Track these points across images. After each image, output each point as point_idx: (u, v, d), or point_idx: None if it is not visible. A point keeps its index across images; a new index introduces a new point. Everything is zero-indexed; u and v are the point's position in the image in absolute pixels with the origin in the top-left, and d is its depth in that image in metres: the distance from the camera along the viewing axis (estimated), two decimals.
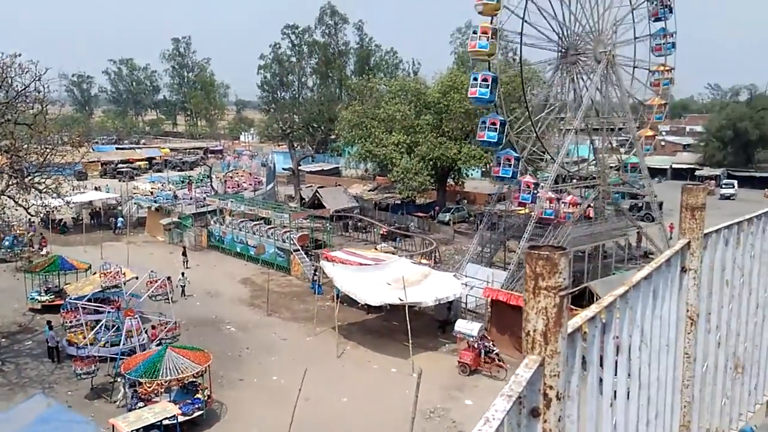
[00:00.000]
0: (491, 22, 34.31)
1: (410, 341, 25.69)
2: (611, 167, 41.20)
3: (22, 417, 17.75)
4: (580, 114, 36.78)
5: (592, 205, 39.92)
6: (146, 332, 24.28)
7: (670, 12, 39.99)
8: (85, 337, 24.39)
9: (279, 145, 78.00)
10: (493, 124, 34.57)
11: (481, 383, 24.39)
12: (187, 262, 39.76)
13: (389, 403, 21.86)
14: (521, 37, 35.45)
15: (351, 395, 22.80)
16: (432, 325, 29.83)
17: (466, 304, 30.64)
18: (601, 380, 2.55)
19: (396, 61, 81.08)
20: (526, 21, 35.29)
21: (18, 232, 40.14)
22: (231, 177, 63.56)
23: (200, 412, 20.03)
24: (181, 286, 33.38)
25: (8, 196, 24.29)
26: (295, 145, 67.71)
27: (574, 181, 40.18)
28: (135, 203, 52.78)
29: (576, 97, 38.77)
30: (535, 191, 34.97)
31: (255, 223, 42.97)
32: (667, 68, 40.89)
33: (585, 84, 38.43)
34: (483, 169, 62.90)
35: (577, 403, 2.22)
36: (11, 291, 32.62)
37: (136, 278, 29.21)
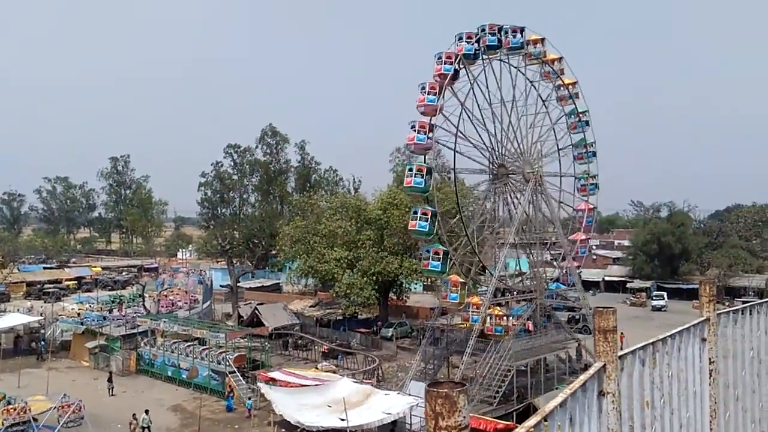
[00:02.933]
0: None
1: None
2: (548, 280, 42.35)
3: None
4: (513, 229, 38.23)
5: (531, 318, 40.44)
6: None
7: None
8: None
9: (217, 262, 76.68)
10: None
11: None
12: (112, 388, 37.18)
13: None
14: (455, 146, 37.13)
15: None
16: None
17: (410, 424, 29.56)
18: None
19: (336, 178, 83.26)
20: (460, 132, 37.24)
21: None
22: (165, 295, 61.35)
23: None
24: (143, 426, 29.62)
25: None
26: (235, 262, 66.79)
27: (511, 294, 40.88)
28: (59, 326, 49.83)
29: (509, 213, 40.45)
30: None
31: (189, 344, 41.07)
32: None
33: (515, 201, 40.30)
34: (425, 283, 63.46)
35: None
36: None
37: (54, 408, 27.01)
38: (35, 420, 26.10)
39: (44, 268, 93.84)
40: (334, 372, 36.33)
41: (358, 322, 54.13)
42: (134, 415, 29.72)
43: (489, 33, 38.11)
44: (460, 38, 37.92)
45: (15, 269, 75.03)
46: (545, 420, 2.74)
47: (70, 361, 45.25)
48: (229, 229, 68.10)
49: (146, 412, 30.26)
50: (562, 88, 42.20)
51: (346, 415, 25.06)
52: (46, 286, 78.73)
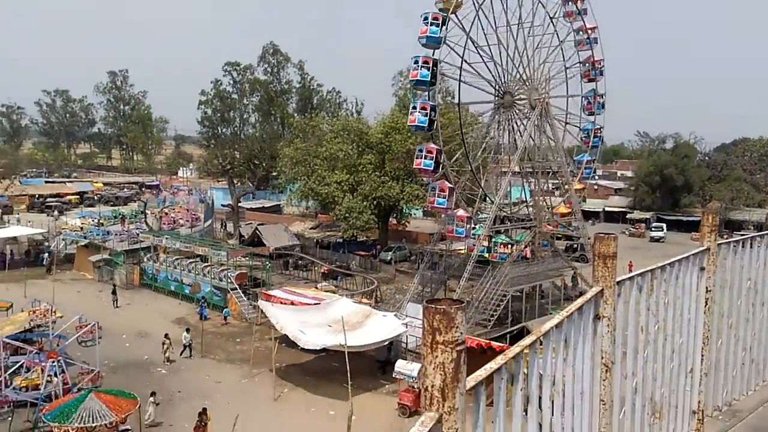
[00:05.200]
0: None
1: (350, 383, 25.21)
2: (547, 209, 42.48)
3: None
4: (515, 157, 37.95)
5: (528, 245, 40.88)
6: (57, 376, 22.84)
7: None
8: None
9: (218, 181, 76.78)
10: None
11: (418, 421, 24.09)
12: (116, 300, 38.15)
13: None
14: (460, 73, 36.46)
15: None
16: (372, 365, 29.48)
17: (406, 344, 30.49)
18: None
19: (339, 101, 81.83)
20: (465, 61, 36.44)
21: None
22: (167, 213, 61.88)
23: None
24: (185, 345, 30.20)
25: None
26: (235, 182, 66.80)
27: (511, 222, 41.15)
28: (63, 239, 50.47)
29: (512, 141, 40.04)
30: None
31: (191, 260, 41.79)
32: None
33: (520, 128, 39.78)
34: (425, 209, 63.75)
35: None
36: None
37: (61, 317, 27.73)
38: (40, 327, 26.88)
39: (46, 182, 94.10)
40: (334, 292, 37.10)
41: (358, 245, 54.80)
42: (167, 335, 29.80)
43: None
44: None
45: (16, 182, 75.18)
46: (541, 340, 2.77)
47: (74, 274, 46.18)
48: (229, 148, 67.58)
49: (187, 330, 30.68)
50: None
51: (345, 336, 25.74)
52: (48, 199, 79.24)
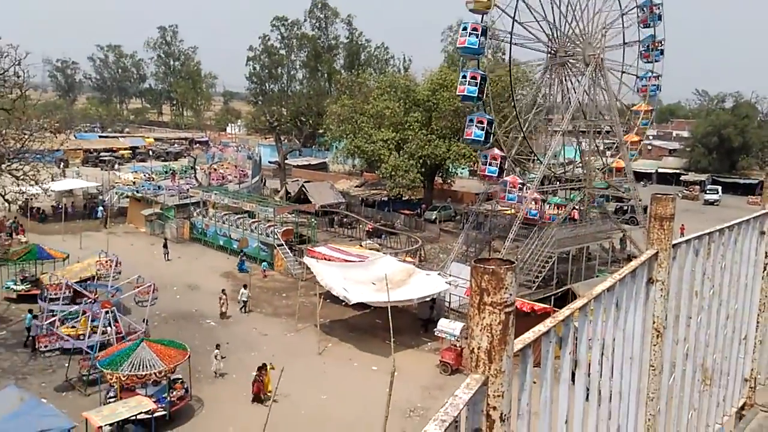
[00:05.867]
0: (482, 20, 34.23)
1: (392, 339, 25.56)
2: (597, 170, 41.39)
3: None
4: (567, 116, 36.86)
5: (577, 207, 40.07)
6: (111, 325, 23.84)
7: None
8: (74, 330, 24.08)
9: (266, 138, 77.40)
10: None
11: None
12: (168, 254, 39.39)
13: (369, 400, 21.75)
14: (511, 37, 35.46)
15: (331, 393, 22.67)
16: (415, 323, 29.80)
17: (449, 303, 30.62)
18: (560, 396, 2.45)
19: (386, 57, 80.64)
20: (516, 20, 35.31)
21: None
22: (216, 169, 63.03)
23: (163, 412, 19.61)
24: (243, 301, 30.87)
25: None
26: (282, 139, 67.23)
27: (560, 183, 40.32)
28: (116, 193, 52.12)
29: (564, 99, 38.85)
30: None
31: (239, 216, 42.65)
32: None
33: (573, 86, 38.52)
34: (471, 168, 63.03)
35: (527, 421, 2.11)
36: None
37: (118, 267, 28.86)
38: (96, 278, 28.04)
39: (100, 136, 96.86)
40: (378, 251, 37.36)
41: (403, 203, 54.78)
42: (223, 290, 30.47)
43: None
44: None
45: (71, 136, 77.55)
46: (592, 303, 2.67)
47: (127, 227, 47.79)
48: (277, 105, 67.70)
49: (244, 287, 31.18)
50: None
51: (388, 293, 25.99)
52: (101, 154, 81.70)
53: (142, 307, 26.96)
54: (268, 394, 21.23)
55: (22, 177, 24.38)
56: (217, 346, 23.93)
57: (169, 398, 20.18)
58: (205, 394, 22.23)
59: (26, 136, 24.53)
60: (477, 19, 34.24)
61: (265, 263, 37.64)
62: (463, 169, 60.26)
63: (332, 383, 23.43)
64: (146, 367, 19.47)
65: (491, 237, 40.33)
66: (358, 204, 55.83)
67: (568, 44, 37.81)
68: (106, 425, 17.49)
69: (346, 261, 32.43)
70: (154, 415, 18.64)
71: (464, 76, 34.65)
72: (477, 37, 33.59)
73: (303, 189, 52.65)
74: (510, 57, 37.24)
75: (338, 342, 27.84)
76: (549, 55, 37.81)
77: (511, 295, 1.76)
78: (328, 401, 22.12)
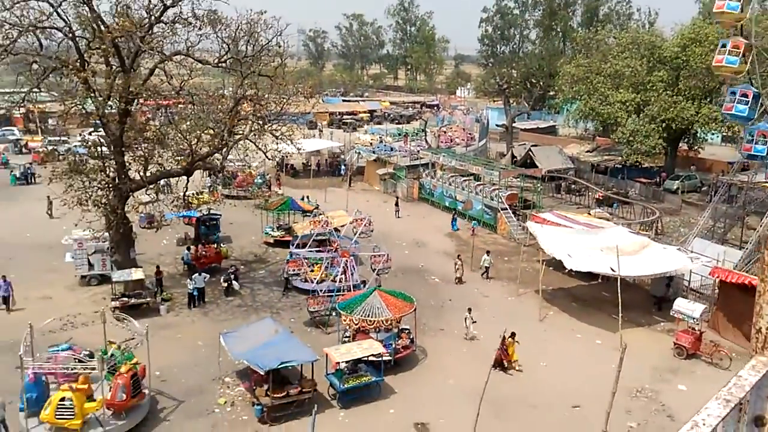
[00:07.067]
0: (751, 83, 29.44)
1: (620, 314, 24.09)
2: None
3: (253, 334, 20.44)
4: None
5: None
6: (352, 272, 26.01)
7: None
8: (313, 273, 27.00)
9: (494, 101, 76.87)
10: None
11: (699, 369, 22.20)
12: (398, 211, 41.70)
13: (591, 374, 20.98)
14: None
15: (551, 361, 22.29)
16: (647, 300, 27.77)
17: (689, 282, 27.80)
18: None
19: (629, 12, 74.08)
20: None
21: (258, 173, 45.32)
22: (444, 132, 64.48)
23: (389, 358, 20.76)
24: (486, 267, 30.84)
25: (250, 141, 27.43)
26: (511, 101, 66.19)
27: None
28: (356, 152, 56.31)
29: None
30: None
31: (464, 178, 43.33)
32: None
33: None
34: (724, 134, 55.73)
35: None
36: (249, 225, 37.24)
37: (351, 222, 31.36)
38: (337, 230, 30.78)
39: (343, 100, 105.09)
40: (608, 220, 35.18)
41: (639, 171, 50.59)
42: (459, 255, 31.02)
43: None
44: None
45: (320, 100, 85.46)
46: None
47: (364, 185, 51.54)
48: (507, 67, 66.58)
49: (487, 253, 31.31)
50: None
51: (618, 264, 24.38)
52: (344, 117, 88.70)
53: (362, 238, 28.88)
54: (513, 363, 21.48)
55: (280, 136, 27.56)
56: (469, 310, 24.20)
57: (394, 345, 21.59)
58: (428, 346, 23.37)
59: (284, 100, 27.60)
60: (746, 85, 29.54)
61: (475, 221, 38.30)
62: (714, 135, 53.47)
63: (553, 351, 22.97)
64: (375, 314, 21.08)
65: (745, 212, 35.40)
66: (588, 170, 52.93)
67: None
68: (342, 362, 19.41)
69: (572, 229, 31.10)
70: (383, 359, 20.15)
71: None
72: (746, 104, 29.06)
73: (530, 153, 51.45)
74: None
75: (559, 311, 27.09)
76: None
77: None
78: (548, 369, 21.79)
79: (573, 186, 48.01)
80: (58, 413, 16.29)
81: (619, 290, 24.13)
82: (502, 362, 21.23)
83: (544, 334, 24.51)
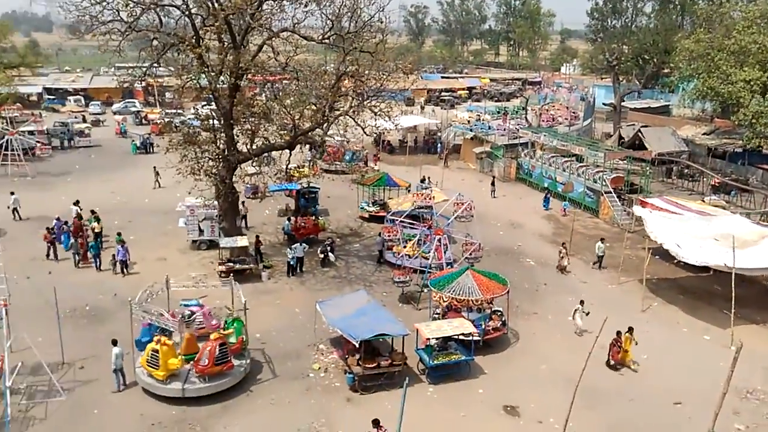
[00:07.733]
0: None
1: (733, 310, 22.55)
2: None
3: (347, 305, 20.97)
4: None
5: None
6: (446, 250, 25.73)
7: None
8: (405, 249, 27.14)
9: (602, 78, 73.30)
10: None
11: None
12: (494, 191, 40.95)
13: (697, 371, 19.89)
14: None
15: (653, 353, 21.24)
16: (765, 296, 25.81)
17: None
18: None
19: None
20: None
21: (354, 148, 45.89)
22: (546, 110, 62.26)
23: (477, 338, 20.43)
24: (599, 255, 29.12)
25: (350, 116, 27.74)
26: (621, 79, 62.76)
27: None
28: (453, 130, 55.68)
29: None
30: None
31: (566, 159, 41.77)
32: None
33: None
34: None
35: None
36: (345, 199, 37.94)
37: (449, 202, 31.12)
38: (430, 208, 30.64)
39: (441, 77, 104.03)
40: (724, 208, 32.78)
41: (762, 157, 46.59)
42: (564, 243, 29.40)
43: None
44: None
45: (419, 77, 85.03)
46: None
47: (459, 163, 50.96)
48: (618, 42, 62.90)
49: (602, 240, 29.51)
50: None
51: (734, 256, 22.71)
52: (442, 93, 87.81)
53: (461, 222, 28.22)
54: (628, 363, 20.51)
55: (378, 112, 27.68)
56: (581, 303, 22.77)
57: (483, 326, 21.36)
58: (520, 329, 22.95)
59: (384, 77, 27.61)
60: None
61: (565, 202, 37.67)
62: None
63: (655, 344, 21.86)
64: (466, 293, 20.92)
65: None
66: (703, 154, 49.43)
67: None
68: (433, 338, 19.48)
69: (683, 215, 29.25)
70: (473, 338, 20.00)
71: None
72: None
73: (639, 134, 48.66)
74: None
75: (664, 303, 25.68)
76: None
77: None
78: (649, 362, 20.79)
79: (686, 170, 45.10)
80: (149, 361, 18.03)
81: (732, 284, 22.69)
82: (609, 361, 20.36)
83: (647, 325, 23.32)
